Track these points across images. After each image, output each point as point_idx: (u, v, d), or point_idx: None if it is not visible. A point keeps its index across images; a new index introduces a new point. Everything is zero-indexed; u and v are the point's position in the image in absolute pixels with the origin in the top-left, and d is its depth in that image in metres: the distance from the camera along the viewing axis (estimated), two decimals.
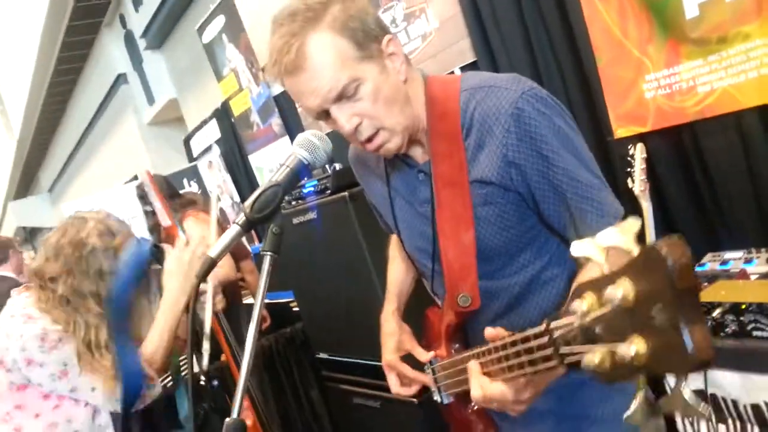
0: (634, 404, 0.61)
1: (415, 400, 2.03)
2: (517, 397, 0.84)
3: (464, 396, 1.13)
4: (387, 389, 2.27)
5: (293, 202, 2.39)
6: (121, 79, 7.94)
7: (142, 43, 7.03)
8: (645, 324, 0.52)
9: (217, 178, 5.83)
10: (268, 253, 0.90)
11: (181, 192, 4.32)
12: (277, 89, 4.47)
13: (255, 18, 4.51)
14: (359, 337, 2.26)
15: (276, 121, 4.56)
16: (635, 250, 0.55)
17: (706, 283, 1.74)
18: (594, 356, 0.56)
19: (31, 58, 8.43)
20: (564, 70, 2.52)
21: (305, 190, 2.29)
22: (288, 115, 4.44)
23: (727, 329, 1.53)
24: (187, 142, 6.66)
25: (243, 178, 5.49)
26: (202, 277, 0.88)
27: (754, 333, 1.49)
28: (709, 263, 1.96)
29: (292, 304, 3.87)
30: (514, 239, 1.06)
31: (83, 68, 8.87)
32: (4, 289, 4.20)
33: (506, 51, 2.73)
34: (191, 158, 6.61)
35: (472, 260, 1.05)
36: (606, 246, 0.58)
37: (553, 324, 0.67)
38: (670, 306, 0.50)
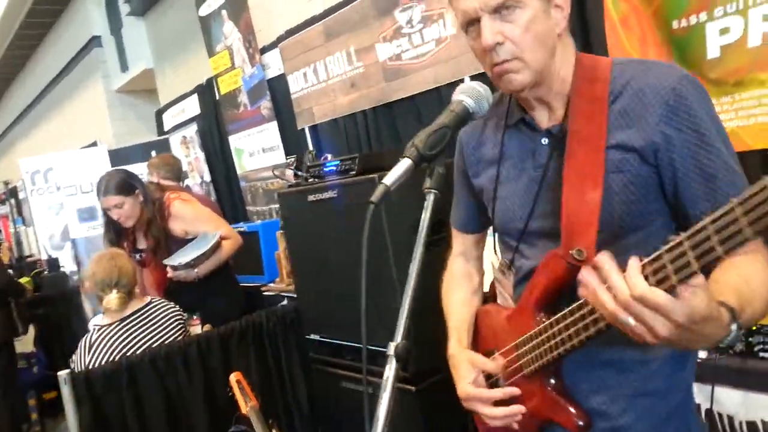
0: None
1: (413, 387, 2.04)
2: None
3: (544, 371, 1.09)
4: (379, 375, 2.28)
5: (310, 179, 2.37)
6: (94, 41, 7.68)
7: (125, 8, 6.83)
8: None
9: (190, 154, 5.70)
10: (433, 190, 0.92)
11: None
12: (272, 72, 4.43)
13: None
14: (355, 322, 2.26)
15: (266, 105, 4.51)
16: None
17: None
18: None
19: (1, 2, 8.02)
20: None
21: (326, 169, 2.28)
22: (280, 100, 4.40)
23: (734, 348, 1.62)
24: (159, 114, 6.49)
25: (218, 157, 5.39)
26: (378, 202, 0.89)
27: (761, 354, 1.58)
28: None
29: (262, 289, 3.83)
30: (627, 217, 1.04)
31: (55, 23, 8.53)
32: None
33: None
34: (161, 131, 6.45)
35: (594, 218, 1.02)
36: None
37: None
38: None
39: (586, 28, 2.54)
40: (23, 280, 4.60)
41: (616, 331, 0.86)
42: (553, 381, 1.11)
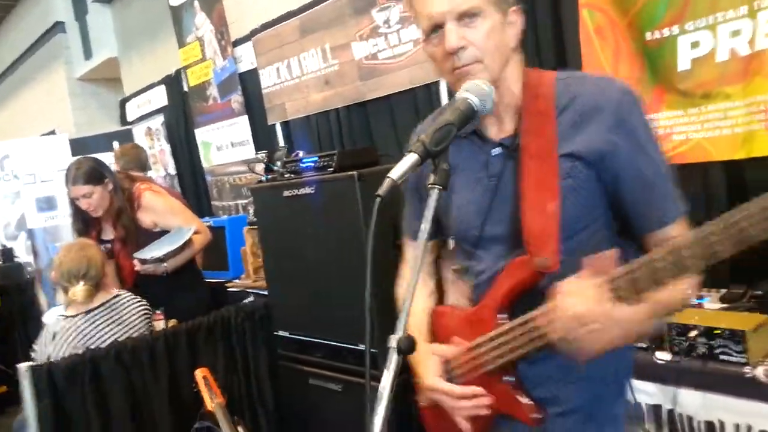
0: None
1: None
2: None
3: (502, 369, 1.15)
4: (348, 372, 2.29)
5: (287, 175, 2.35)
6: (57, 27, 7.46)
7: None
8: None
9: (154, 145, 5.59)
10: (437, 186, 0.93)
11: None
12: (244, 66, 4.38)
13: None
14: (329, 319, 2.25)
15: (236, 99, 4.46)
16: None
17: None
18: None
19: None
20: None
21: (303, 165, 2.27)
22: (251, 94, 4.35)
23: (697, 351, 1.67)
24: (123, 104, 6.34)
25: (183, 149, 5.30)
26: (385, 196, 0.89)
27: (721, 357, 1.64)
28: None
29: (228, 285, 3.78)
30: (577, 217, 1.12)
31: (16, 6, 8.26)
32: None
33: None
34: (125, 121, 6.31)
35: (554, 228, 1.10)
36: None
37: None
38: None
39: (561, 38, 2.59)
40: None
41: None
42: (510, 378, 1.17)
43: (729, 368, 1.63)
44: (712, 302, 2.01)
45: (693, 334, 1.69)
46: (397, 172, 0.91)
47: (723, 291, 2.03)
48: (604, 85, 1.13)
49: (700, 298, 2.05)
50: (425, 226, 0.93)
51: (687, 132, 2.27)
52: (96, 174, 2.71)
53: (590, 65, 2.47)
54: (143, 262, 2.67)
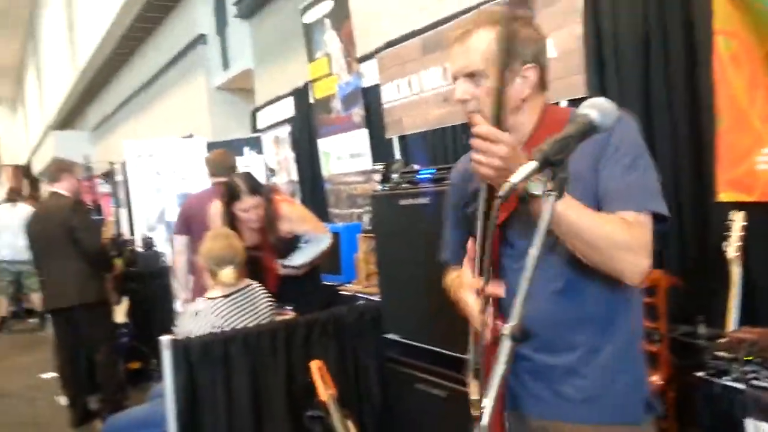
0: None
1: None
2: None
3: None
4: (455, 380, 2.36)
5: (404, 184, 2.49)
6: (200, 39, 8.13)
7: (232, 10, 7.21)
8: None
9: (279, 153, 5.96)
10: (553, 193, 0.99)
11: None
12: (367, 81, 4.59)
13: (362, 10, 4.64)
14: (437, 326, 2.34)
15: (358, 112, 4.68)
16: None
17: None
18: None
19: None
20: (679, 127, 2.58)
21: (419, 176, 2.40)
22: (372, 108, 4.55)
23: None
24: (255, 112, 6.81)
25: (306, 158, 5.61)
26: (505, 198, 0.98)
27: None
28: None
29: (339, 288, 3.96)
30: None
31: (165, 19, 9.09)
32: (53, 203, 4.28)
33: (620, 95, 2.79)
34: (255, 129, 6.76)
35: None
36: None
37: None
38: None
39: (693, 64, 2.53)
40: (117, 261, 4.85)
41: None
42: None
43: None
44: None
45: None
46: (516, 177, 0.99)
47: None
48: None
49: None
50: (541, 232, 1.00)
51: None
52: (259, 187, 2.96)
53: (723, 94, 2.39)
54: (284, 266, 2.96)
